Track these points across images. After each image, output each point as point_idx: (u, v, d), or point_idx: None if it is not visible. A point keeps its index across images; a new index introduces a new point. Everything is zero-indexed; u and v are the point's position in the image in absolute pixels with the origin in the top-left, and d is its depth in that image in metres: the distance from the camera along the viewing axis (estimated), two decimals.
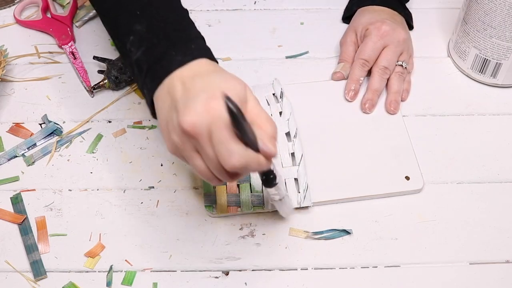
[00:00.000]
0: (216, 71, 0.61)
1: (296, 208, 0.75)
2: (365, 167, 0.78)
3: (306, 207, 0.75)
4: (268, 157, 0.57)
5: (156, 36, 0.65)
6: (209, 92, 0.57)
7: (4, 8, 0.99)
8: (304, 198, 0.74)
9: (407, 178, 0.77)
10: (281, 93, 0.83)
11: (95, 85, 0.87)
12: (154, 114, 0.65)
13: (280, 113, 0.82)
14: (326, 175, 0.77)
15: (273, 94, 0.85)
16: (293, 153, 0.78)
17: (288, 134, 0.80)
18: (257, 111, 0.59)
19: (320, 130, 0.82)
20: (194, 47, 0.64)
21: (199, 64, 0.62)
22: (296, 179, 0.76)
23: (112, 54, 0.91)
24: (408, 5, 0.96)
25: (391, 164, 0.78)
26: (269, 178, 0.63)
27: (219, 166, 0.57)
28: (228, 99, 0.54)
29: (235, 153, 0.55)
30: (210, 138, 0.56)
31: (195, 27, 0.68)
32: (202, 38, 0.67)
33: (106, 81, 0.87)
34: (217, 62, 0.64)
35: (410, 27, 0.94)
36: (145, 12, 0.66)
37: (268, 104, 0.83)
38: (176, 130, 0.58)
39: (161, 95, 0.62)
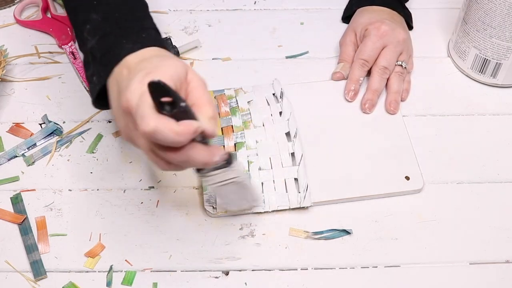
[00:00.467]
0: (162, 55, 0.62)
1: (296, 208, 0.75)
2: (365, 167, 0.78)
3: (306, 207, 0.75)
4: (209, 136, 0.58)
5: (110, 25, 0.68)
6: (147, 70, 0.58)
7: (4, 8, 0.99)
8: (304, 198, 0.74)
9: (407, 178, 0.77)
10: (281, 93, 0.83)
11: None
12: (96, 103, 0.68)
13: (280, 113, 0.82)
14: (326, 175, 0.77)
15: (273, 94, 0.85)
16: (293, 153, 0.78)
17: (288, 134, 0.80)
18: (199, 93, 0.59)
19: (320, 130, 0.82)
20: (145, 36, 0.66)
21: (148, 52, 0.63)
22: (296, 179, 0.76)
23: None
24: (408, 5, 0.96)
25: (391, 164, 0.78)
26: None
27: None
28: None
29: (146, 117, 0.54)
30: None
31: (151, 19, 0.71)
32: (156, 30, 0.70)
33: None
34: (168, 51, 0.66)
35: (410, 27, 0.94)
36: (102, 2, 0.70)
37: (268, 104, 0.83)
38: (120, 112, 0.59)
39: (110, 82, 0.63)
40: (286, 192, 0.75)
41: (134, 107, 0.56)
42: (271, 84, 0.86)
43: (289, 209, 0.75)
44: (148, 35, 0.67)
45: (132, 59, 0.62)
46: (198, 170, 0.63)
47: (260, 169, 0.77)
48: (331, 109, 0.84)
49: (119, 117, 0.61)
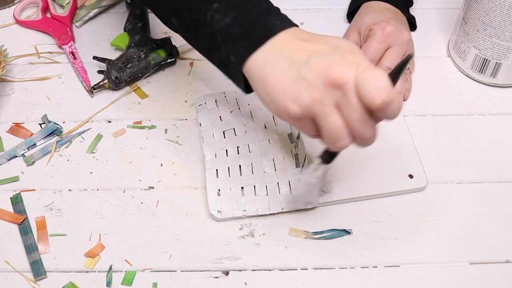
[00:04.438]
0: (314, 34, 0.61)
1: (299, 209, 0.75)
2: (369, 167, 0.78)
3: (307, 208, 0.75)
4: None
5: (249, 2, 0.63)
6: (343, 45, 0.57)
7: (4, 8, 0.99)
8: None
9: (411, 176, 0.77)
10: None
11: (95, 85, 0.87)
12: (246, 87, 0.64)
13: None
14: (330, 176, 0.77)
15: None
16: (297, 154, 0.78)
17: (290, 135, 0.80)
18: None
19: None
20: (285, 17, 0.63)
21: (297, 30, 0.61)
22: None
23: (112, 54, 0.91)
24: None
25: (394, 163, 0.78)
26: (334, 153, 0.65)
27: (363, 115, 0.56)
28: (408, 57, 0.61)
29: (382, 87, 0.55)
30: (355, 87, 0.55)
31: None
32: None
33: (106, 81, 0.87)
34: None
35: (414, 27, 0.94)
36: None
37: None
38: (317, 84, 0.56)
39: (268, 57, 0.59)
40: (291, 193, 0.75)
41: (352, 84, 0.55)
42: None
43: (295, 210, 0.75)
44: (286, 16, 0.64)
45: (292, 34, 0.60)
46: (330, 158, 0.66)
47: (264, 171, 0.77)
48: None
49: (304, 90, 0.57)
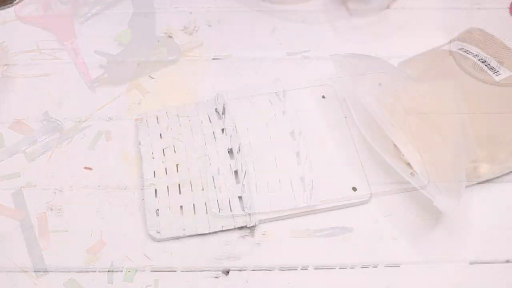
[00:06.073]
0: None
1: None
2: (369, 167, 0.78)
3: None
4: None
5: None
6: None
7: (4, 8, 0.99)
8: (311, 197, 0.74)
9: (412, 175, 0.77)
10: (283, 92, 0.84)
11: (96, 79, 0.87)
12: None
13: (283, 112, 0.82)
14: (330, 175, 0.77)
15: (275, 93, 0.85)
16: (298, 152, 0.78)
17: (230, 150, 0.79)
18: None
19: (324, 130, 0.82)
20: None
21: None
22: (302, 179, 0.76)
23: (113, 50, 0.91)
24: (408, 4, 0.95)
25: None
26: None
27: None
28: None
29: None
30: None
31: None
32: None
33: (106, 75, 0.87)
34: None
35: None
36: None
37: (271, 105, 0.83)
38: None
39: None
40: (292, 192, 0.75)
41: None
42: (272, 86, 0.86)
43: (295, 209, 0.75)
44: None
45: None
46: None
47: (202, 189, 0.76)
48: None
49: None
